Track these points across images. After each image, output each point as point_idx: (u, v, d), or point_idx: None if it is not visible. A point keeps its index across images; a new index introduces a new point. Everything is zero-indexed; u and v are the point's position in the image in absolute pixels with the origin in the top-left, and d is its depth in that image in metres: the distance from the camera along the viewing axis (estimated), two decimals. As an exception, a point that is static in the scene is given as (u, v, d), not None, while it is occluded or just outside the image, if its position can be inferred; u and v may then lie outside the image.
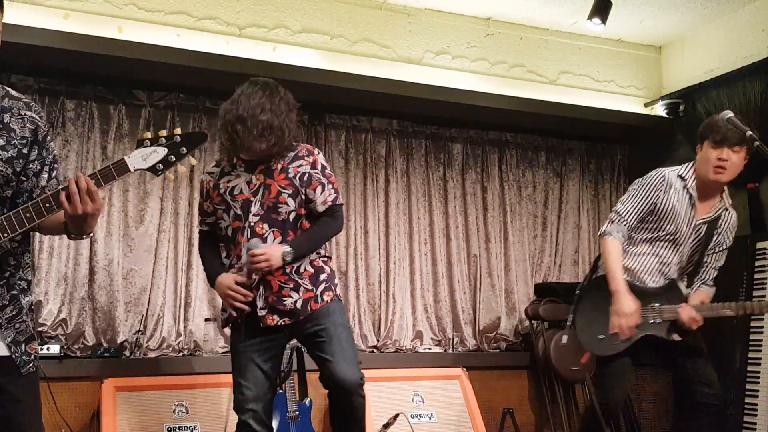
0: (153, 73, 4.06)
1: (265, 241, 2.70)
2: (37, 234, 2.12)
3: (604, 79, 5.13)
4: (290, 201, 2.72)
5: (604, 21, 4.35)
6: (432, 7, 4.65)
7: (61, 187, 1.86)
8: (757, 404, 3.93)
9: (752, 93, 4.50)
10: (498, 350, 4.94)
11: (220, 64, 4.00)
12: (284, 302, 2.71)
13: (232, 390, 2.81)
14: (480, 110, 4.72)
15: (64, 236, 2.00)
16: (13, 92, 1.99)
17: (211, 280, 2.83)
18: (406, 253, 4.87)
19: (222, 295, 2.78)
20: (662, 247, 3.09)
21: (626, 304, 2.95)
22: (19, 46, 3.62)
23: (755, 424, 3.90)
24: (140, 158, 1.89)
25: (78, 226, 1.87)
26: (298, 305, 2.72)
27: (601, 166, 5.60)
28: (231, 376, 2.78)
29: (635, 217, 3.08)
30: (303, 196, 2.74)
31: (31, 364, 1.92)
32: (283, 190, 2.72)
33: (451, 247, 4.99)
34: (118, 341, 4.06)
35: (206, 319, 4.27)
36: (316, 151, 2.82)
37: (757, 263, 4.17)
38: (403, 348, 4.71)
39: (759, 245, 4.19)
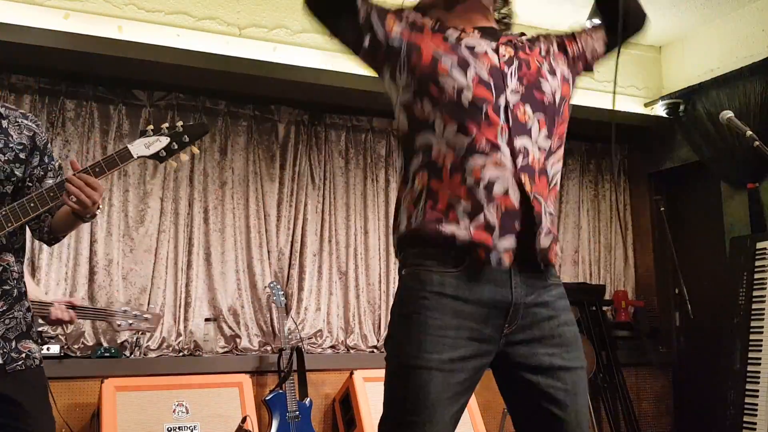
0: (153, 73, 4.06)
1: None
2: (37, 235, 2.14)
3: (604, 79, 5.11)
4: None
5: (604, 21, 4.35)
6: (432, 7, 4.65)
7: (62, 178, 1.87)
8: (757, 404, 3.93)
9: (752, 93, 4.50)
10: (498, 350, 4.93)
11: (220, 64, 4.00)
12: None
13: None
14: (480, 110, 4.72)
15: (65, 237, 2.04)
16: (8, 105, 2.05)
17: None
18: (406, 253, 4.86)
19: None
20: None
21: None
22: (19, 46, 3.62)
23: (755, 423, 3.90)
24: (143, 146, 1.93)
25: (86, 212, 1.89)
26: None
27: (601, 166, 5.60)
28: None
29: None
30: None
31: (20, 362, 1.85)
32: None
33: (451, 247, 4.98)
34: (118, 341, 4.07)
35: (206, 319, 4.27)
36: None
37: (756, 263, 4.17)
38: (403, 348, 4.70)
39: (759, 245, 4.19)
